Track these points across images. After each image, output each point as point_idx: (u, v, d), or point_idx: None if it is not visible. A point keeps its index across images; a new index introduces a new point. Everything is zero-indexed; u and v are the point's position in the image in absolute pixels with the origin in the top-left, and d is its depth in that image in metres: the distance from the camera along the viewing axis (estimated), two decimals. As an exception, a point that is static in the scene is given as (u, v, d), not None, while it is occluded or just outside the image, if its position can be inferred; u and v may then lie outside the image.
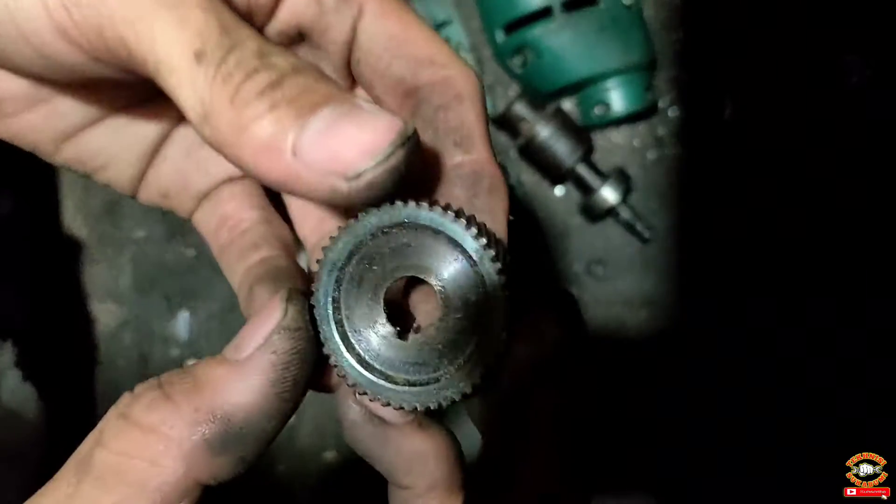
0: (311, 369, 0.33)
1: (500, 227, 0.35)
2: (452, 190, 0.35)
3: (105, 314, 1.09)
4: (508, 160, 1.01)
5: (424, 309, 0.35)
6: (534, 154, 1.03)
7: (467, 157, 0.35)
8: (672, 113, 1.07)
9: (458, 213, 0.32)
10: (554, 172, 1.04)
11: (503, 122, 1.04)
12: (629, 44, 0.99)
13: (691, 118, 1.06)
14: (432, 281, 0.32)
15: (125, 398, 0.31)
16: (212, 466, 0.31)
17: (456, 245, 0.32)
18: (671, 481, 1.03)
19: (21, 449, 0.86)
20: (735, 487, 1.00)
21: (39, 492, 0.30)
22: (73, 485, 0.30)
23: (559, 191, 1.08)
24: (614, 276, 1.07)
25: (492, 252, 0.31)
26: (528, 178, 1.07)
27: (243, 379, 0.31)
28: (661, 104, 1.06)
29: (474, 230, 0.31)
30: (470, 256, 0.32)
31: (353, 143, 0.27)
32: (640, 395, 1.04)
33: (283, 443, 1.04)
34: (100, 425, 0.31)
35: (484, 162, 0.35)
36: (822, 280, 1.01)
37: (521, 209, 1.02)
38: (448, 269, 0.32)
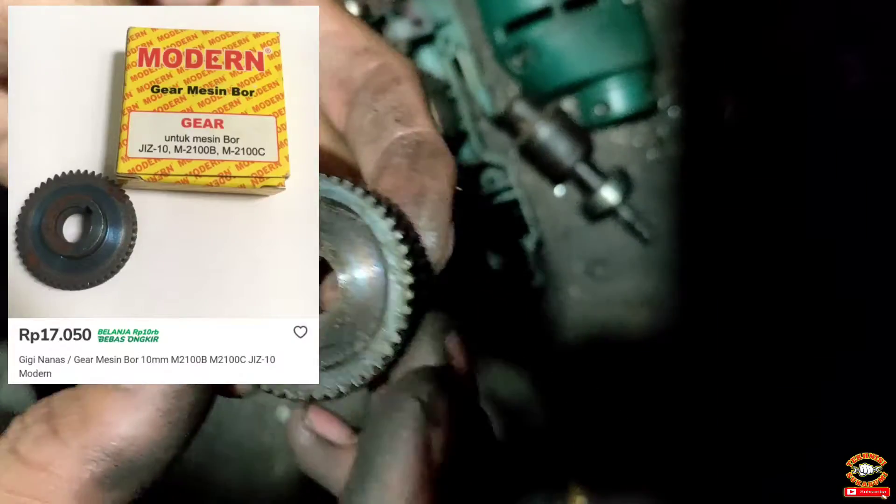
0: (211, 390, 0.31)
1: (442, 188, 0.34)
2: (392, 160, 0.35)
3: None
4: (508, 160, 1.01)
5: (331, 296, 0.35)
6: (534, 154, 1.03)
7: (409, 130, 0.35)
8: (672, 113, 1.07)
9: (370, 193, 0.32)
10: (554, 172, 1.04)
11: (503, 122, 1.04)
12: (629, 43, 0.99)
13: (691, 118, 1.06)
14: (335, 267, 0.32)
15: (15, 427, 0.30)
16: (107, 500, 0.29)
17: (365, 228, 0.32)
18: (671, 481, 1.03)
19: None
20: (735, 487, 1.00)
21: None
22: None
23: (559, 191, 1.08)
24: (614, 276, 1.07)
25: (399, 235, 0.31)
26: (528, 178, 1.07)
27: (133, 411, 0.29)
28: (661, 104, 1.06)
29: (383, 209, 0.31)
30: (374, 236, 0.32)
31: None
32: (641, 395, 1.04)
33: (282, 443, 1.04)
34: None
35: (426, 132, 0.35)
36: (822, 279, 1.01)
37: (520, 209, 1.02)
38: (354, 253, 0.32)
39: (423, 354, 0.34)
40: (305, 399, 0.32)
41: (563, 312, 1.07)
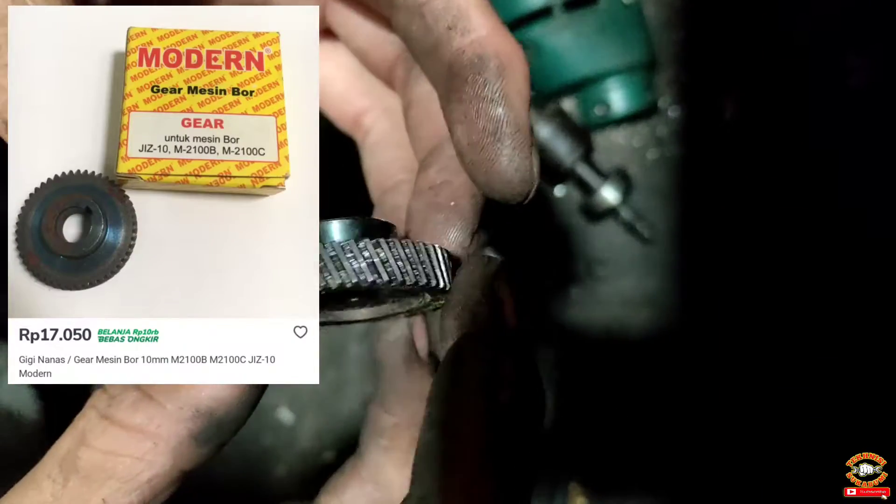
0: None
1: (519, 114, 0.31)
2: (457, 85, 0.32)
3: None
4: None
5: None
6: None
7: (465, 40, 0.31)
8: (672, 113, 1.07)
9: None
10: (554, 172, 1.04)
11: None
12: (629, 43, 0.99)
13: (691, 118, 1.06)
14: None
15: (102, 399, 0.32)
16: (196, 457, 0.32)
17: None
18: (671, 481, 1.03)
19: (21, 449, 0.86)
20: (735, 487, 1.00)
21: (15, 489, 0.31)
22: (60, 482, 0.30)
23: (559, 191, 1.08)
24: (614, 276, 1.07)
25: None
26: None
27: None
28: (661, 104, 1.06)
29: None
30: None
31: None
32: (641, 395, 1.04)
33: (283, 443, 1.05)
34: (79, 425, 0.32)
35: (485, 40, 0.31)
36: (822, 279, 1.01)
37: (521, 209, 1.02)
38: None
39: (476, 299, 0.32)
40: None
41: (563, 312, 1.07)
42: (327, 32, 0.45)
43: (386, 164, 0.46)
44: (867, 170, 1.01)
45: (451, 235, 0.35)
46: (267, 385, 0.34)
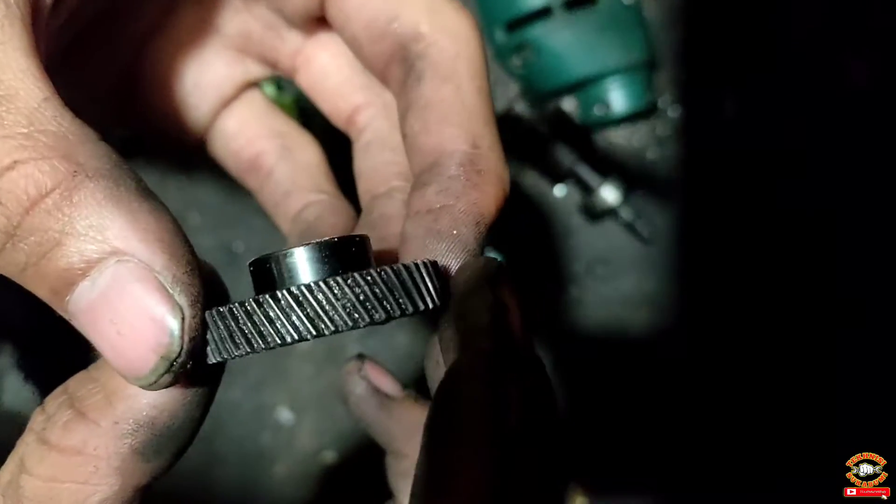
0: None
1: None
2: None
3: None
4: (508, 160, 1.01)
5: None
6: (533, 154, 1.03)
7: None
8: (672, 113, 1.07)
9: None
10: (554, 172, 1.04)
11: (503, 122, 1.04)
12: (629, 43, 0.99)
13: (691, 118, 1.06)
14: None
15: (38, 419, 0.30)
16: (148, 471, 0.29)
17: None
18: (671, 481, 1.03)
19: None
20: (735, 487, 1.00)
21: None
22: None
23: (559, 191, 1.08)
24: (615, 276, 1.07)
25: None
26: (529, 177, 1.07)
27: None
28: (661, 104, 1.06)
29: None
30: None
31: (112, 353, 0.26)
32: (640, 395, 1.04)
33: (282, 443, 1.04)
34: (19, 450, 0.30)
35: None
36: (822, 280, 1.01)
37: (521, 209, 1.02)
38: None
39: (475, 308, 0.29)
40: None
41: (563, 312, 1.07)
42: (325, 20, 0.41)
43: (380, 166, 0.42)
44: (867, 170, 1.01)
45: (454, 268, 0.32)
46: (222, 373, 0.31)
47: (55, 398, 0.30)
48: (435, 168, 0.34)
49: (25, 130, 0.25)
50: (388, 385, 0.43)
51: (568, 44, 0.98)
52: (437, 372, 0.33)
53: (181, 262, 0.26)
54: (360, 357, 0.45)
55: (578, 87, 1.02)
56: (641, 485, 1.04)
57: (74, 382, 0.30)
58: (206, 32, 0.42)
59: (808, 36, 1.02)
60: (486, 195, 0.33)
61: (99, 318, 0.25)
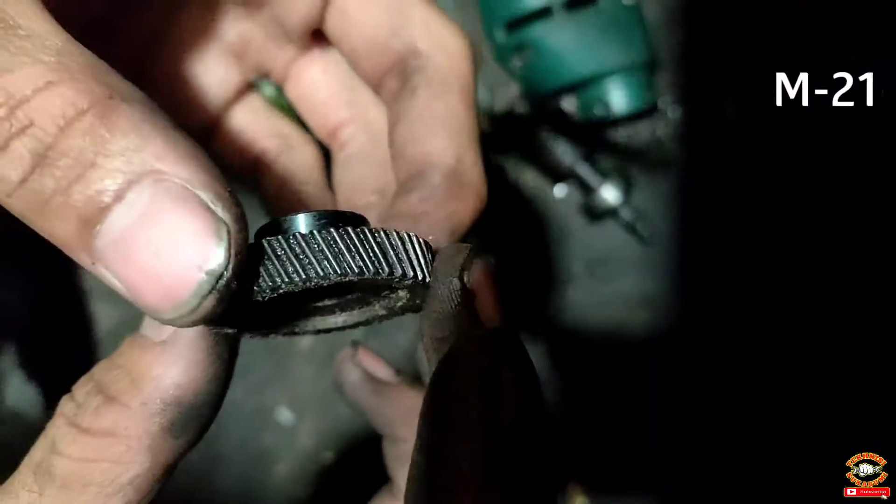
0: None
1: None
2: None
3: (105, 314, 1.10)
4: (508, 160, 1.01)
5: None
6: (534, 154, 1.03)
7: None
8: (672, 113, 1.07)
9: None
10: (554, 172, 1.04)
11: (503, 122, 1.04)
12: (629, 43, 0.99)
13: (691, 118, 1.06)
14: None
15: (68, 405, 0.31)
16: (177, 447, 0.31)
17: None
18: (671, 481, 1.03)
19: (26, 450, 0.86)
20: (735, 487, 1.00)
21: None
22: (36, 492, 0.29)
23: (559, 191, 1.08)
24: (614, 276, 1.07)
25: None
26: (529, 177, 1.07)
27: (176, 360, 0.29)
28: (661, 104, 1.06)
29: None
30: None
31: (149, 282, 0.24)
32: (640, 395, 1.04)
33: (282, 443, 1.05)
34: (49, 433, 0.31)
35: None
36: (822, 280, 1.01)
37: (521, 209, 1.02)
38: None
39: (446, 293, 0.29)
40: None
41: (563, 312, 1.07)
42: (320, 35, 0.43)
43: (358, 180, 0.44)
44: (867, 170, 1.01)
45: None
46: (237, 350, 0.32)
47: (82, 386, 0.31)
48: (420, 177, 0.36)
49: (55, 59, 0.24)
50: (382, 371, 0.45)
51: (568, 44, 0.98)
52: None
53: (221, 181, 0.25)
54: (354, 344, 0.47)
55: (578, 86, 1.02)
56: (641, 485, 1.04)
57: (99, 371, 0.31)
58: (208, 37, 0.43)
59: (809, 36, 1.02)
60: (465, 207, 0.36)
61: (134, 243, 0.23)
